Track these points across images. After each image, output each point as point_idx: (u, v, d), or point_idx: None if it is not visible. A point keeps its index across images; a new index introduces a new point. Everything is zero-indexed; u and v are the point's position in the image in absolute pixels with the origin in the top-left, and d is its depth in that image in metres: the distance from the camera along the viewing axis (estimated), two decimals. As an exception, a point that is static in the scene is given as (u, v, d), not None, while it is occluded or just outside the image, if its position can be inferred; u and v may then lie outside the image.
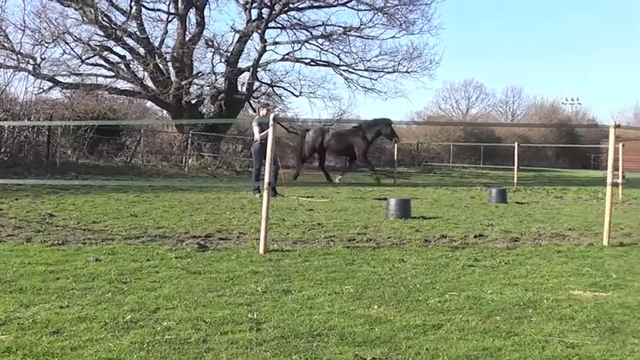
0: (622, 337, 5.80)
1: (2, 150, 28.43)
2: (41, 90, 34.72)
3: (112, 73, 36.87)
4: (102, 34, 35.14)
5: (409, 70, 41.19)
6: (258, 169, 19.34)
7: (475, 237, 11.73)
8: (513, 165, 31.90)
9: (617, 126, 11.82)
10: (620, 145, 22.95)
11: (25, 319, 5.92)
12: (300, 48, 40.20)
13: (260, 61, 39.46)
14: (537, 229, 13.18)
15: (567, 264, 9.34)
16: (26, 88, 32.87)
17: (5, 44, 32.93)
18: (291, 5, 38.86)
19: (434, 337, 5.67)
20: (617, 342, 5.66)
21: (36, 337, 5.40)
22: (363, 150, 26.98)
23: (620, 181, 20.04)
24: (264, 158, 18.40)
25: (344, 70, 40.99)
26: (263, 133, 18.37)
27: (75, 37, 34.66)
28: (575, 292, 7.59)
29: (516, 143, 33.18)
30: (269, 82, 41.77)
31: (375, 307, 6.68)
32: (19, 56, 33.34)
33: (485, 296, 7.24)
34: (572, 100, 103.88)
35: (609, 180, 11.53)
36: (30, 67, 33.59)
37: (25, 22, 33.71)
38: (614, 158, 11.72)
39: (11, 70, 32.36)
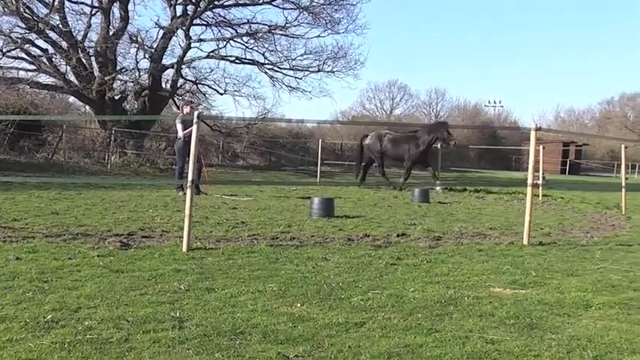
0: (540, 333, 5.93)
1: None
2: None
3: (34, 67, 36.20)
4: (24, 26, 34.49)
5: (334, 70, 41.46)
6: (181, 167, 19.24)
7: (398, 236, 11.82)
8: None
9: (538, 128, 12.07)
10: (541, 147, 23.44)
11: (-57, 319, 5.80)
12: (225, 46, 40.11)
13: (184, 58, 39.22)
14: (459, 228, 13.37)
15: (488, 262, 9.50)
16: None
17: None
18: (216, 2, 38.68)
19: (356, 335, 5.71)
20: (536, 337, 5.79)
21: (-46, 338, 5.30)
22: (414, 157, 26.07)
23: (540, 182, 20.44)
24: (188, 156, 18.40)
25: (269, 69, 41.03)
26: (186, 131, 18.32)
27: (-5, 29, 33.98)
28: (496, 289, 7.73)
29: (439, 144, 33.51)
30: (193, 79, 41.58)
31: (298, 305, 6.71)
32: (-63, 48, 32.62)
33: (408, 294, 7.32)
34: (495, 102, 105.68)
35: (530, 181, 11.77)
36: (-52, 60, 32.87)
37: (-58, 13, 32.95)
38: (534, 160, 11.96)
39: None
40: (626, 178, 20.74)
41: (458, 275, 8.47)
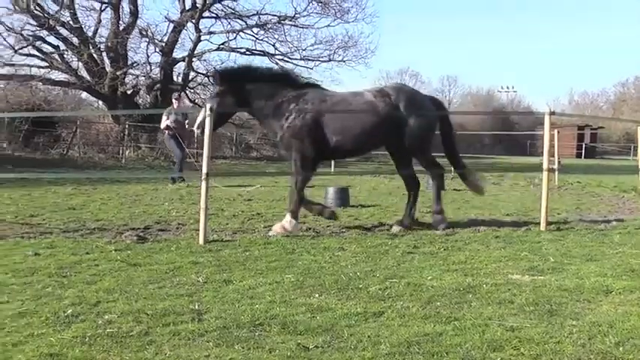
0: (560, 319, 5.91)
1: None
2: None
3: (46, 64, 36.31)
4: (35, 23, 34.62)
5: (345, 59, 41.40)
6: (179, 158, 19.49)
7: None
8: (450, 152, 32.00)
9: (552, 113, 12.00)
10: (556, 131, 23.31)
11: (-36, 315, 5.84)
12: (235, 37, 40.14)
13: (195, 51, 39.25)
14: (475, 215, 13.32)
15: (505, 249, 9.46)
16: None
17: None
18: (225, -6, 38.73)
19: (375, 324, 5.71)
20: (556, 324, 5.76)
21: (-25, 334, 5.33)
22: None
23: (556, 167, 20.34)
24: (178, 147, 18.48)
25: (280, 60, 40.95)
26: (165, 123, 18.78)
27: (7, 26, 34.12)
28: (514, 276, 7.70)
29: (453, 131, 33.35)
30: (204, 72, 41.52)
31: (316, 295, 6.71)
32: (-51, 47, 32.77)
33: (425, 282, 7.31)
34: (508, 87, 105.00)
35: (545, 166, 11.70)
36: (-39, 58, 32.99)
37: (-46, 12, 33.07)
38: (549, 144, 11.89)
39: (-58, 62, 31.83)
40: (643, 161, 20.61)
41: (475, 262, 8.44)
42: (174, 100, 21.36)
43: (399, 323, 5.75)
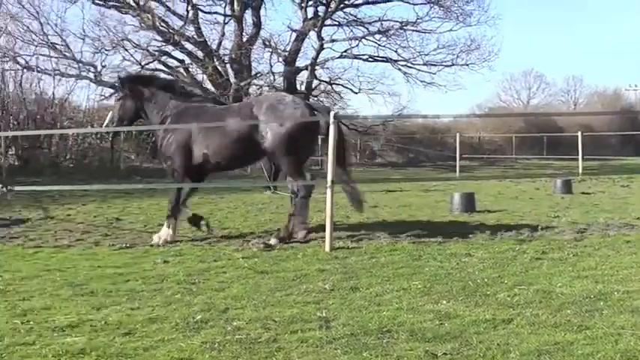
0: (698, 329, 5.69)
1: (68, 157, 28.92)
2: (103, 97, 35.22)
3: (172, 78, 37.17)
4: (160, 39, 35.48)
5: (468, 63, 40.84)
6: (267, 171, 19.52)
7: (542, 229, 11.57)
8: (577, 155, 31.40)
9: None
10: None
11: (97, 320, 6.05)
12: (357, 44, 40.11)
13: (318, 59, 39.42)
14: (605, 219, 12.98)
15: (637, 254, 9.18)
16: (88, 96, 33.53)
17: (66, 54, 33.53)
18: (346, 2, 38.79)
19: (504, 332, 5.63)
20: (694, 333, 5.55)
21: (109, 339, 5.51)
22: None
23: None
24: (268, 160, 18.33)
25: (402, 65, 40.74)
26: None
27: (134, 43, 35.04)
28: (647, 282, 7.47)
29: (580, 132, 32.64)
30: (327, 79, 41.66)
31: (444, 302, 6.66)
32: (80, 65, 33.91)
33: (555, 289, 7.16)
34: (636, 86, 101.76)
35: (678, 167, 11.30)
36: (91, 75, 34.11)
37: (84, 31, 34.28)
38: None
39: (73, 79, 33.01)
40: None
41: (606, 269, 8.22)
42: None
43: (529, 331, 5.65)
